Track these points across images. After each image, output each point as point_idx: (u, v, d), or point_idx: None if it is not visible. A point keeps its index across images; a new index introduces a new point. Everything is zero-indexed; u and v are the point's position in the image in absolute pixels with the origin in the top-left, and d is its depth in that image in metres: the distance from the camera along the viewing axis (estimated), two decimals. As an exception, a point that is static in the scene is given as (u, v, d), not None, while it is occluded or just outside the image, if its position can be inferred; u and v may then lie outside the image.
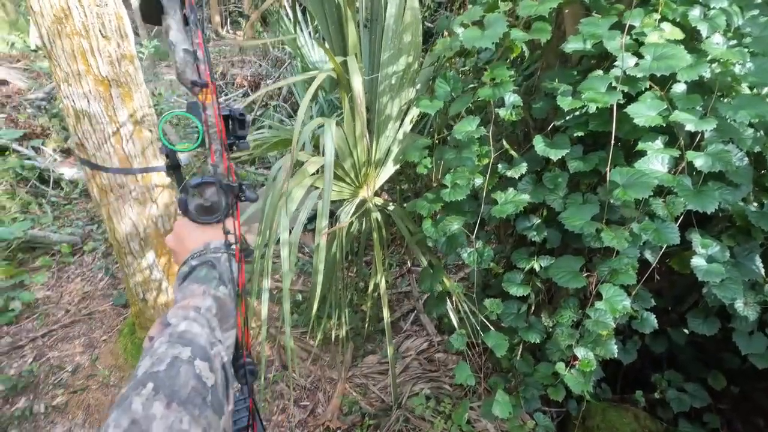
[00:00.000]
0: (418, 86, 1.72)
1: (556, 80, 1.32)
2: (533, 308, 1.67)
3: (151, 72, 7.25)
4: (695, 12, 1.15)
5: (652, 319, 1.33)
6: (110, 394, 2.20)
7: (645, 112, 1.13)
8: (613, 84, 1.10)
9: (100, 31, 1.57)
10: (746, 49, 1.11)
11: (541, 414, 1.68)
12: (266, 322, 1.62)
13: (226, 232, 0.66)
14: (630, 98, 1.18)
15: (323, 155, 1.35)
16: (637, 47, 1.18)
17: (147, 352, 0.49)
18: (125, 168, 1.79)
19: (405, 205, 2.10)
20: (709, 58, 1.10)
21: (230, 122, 0.71)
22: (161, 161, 1.91)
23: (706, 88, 1.17)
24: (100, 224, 3.58)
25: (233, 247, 0.67)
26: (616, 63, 1.15)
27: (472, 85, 1.41)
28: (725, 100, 1.17)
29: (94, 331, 2.61)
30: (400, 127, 1.75)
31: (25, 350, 2.47)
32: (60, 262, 3.25)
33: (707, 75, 1.14)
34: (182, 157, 1.73)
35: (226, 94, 5.86)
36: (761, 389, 1.66)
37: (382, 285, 1.83)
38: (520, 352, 1.64)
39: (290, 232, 1.55)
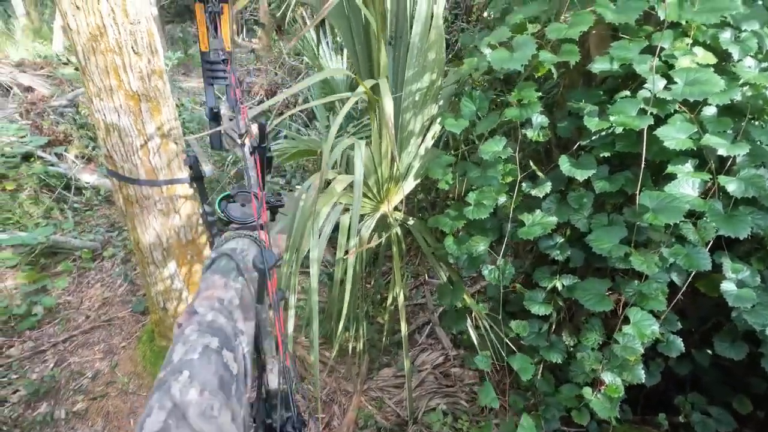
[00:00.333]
0: (441, 102, 1.73)
1: (582, 100, 1.32)
2: (554, 326, 1.65)
3: (170, 78, 7.38)
4: (726, 35, 1.15)
5: (679, 343, 1.31)
6: (129, 401, 2.22)
7: (675, 134, 1.12)
8: (643, 107, 1.10)
9: (132, 47, 1.61)
10: (779, 73, 1.10)
11: (561, 434, 1.66)
12: (290, 337, 1.64)
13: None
14: (658, 119, 1.18)
15: (346, 171, 1.36)
16: (666, 69, 1.17)
17: (179, 338, 0.53)
18: (151, 180, 1.83)
19: (424, 217, 2.11)
20: (741, 81, 1.09)
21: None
22: (185, 173, 1.94)
23: (737, 111, 1.16)
24: (120, 231, 3.64)
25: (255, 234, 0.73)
26: (645, 85, 1.14)
27: (494, 97, 1.42)
28: (757, 123, 1.16)
29: (114, 338, 2.65)
30: (422, 142, 1.76)
31: (46, 355, 2.52)
32: (80, 267, 3.31)
33: (738, 98, 1.13)
34: (206, 170, 1.76)
35: (242, 102, 5.95)
36: (790, 415, 1.62)
37: (401, 299, 1.83)
38: (540, 371, 1.63)
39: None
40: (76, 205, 3.95)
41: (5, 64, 7.22)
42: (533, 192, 1.38)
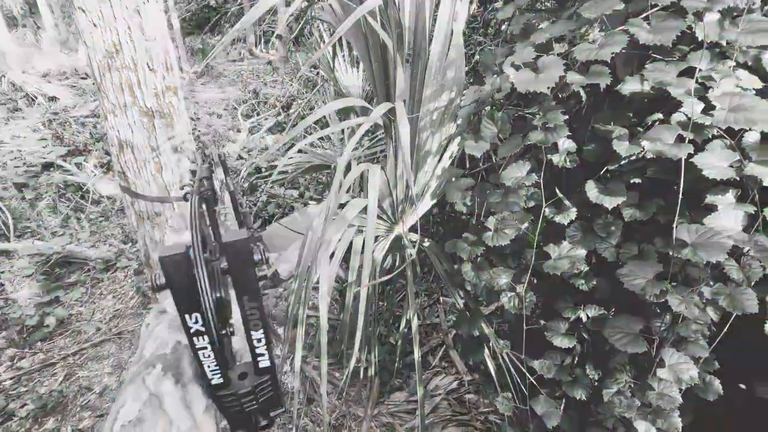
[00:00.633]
0: (459, 121, 1.68)
1: (611, 123, 1.25)
2: (577, 358, 1.56)
3: (188, 90, 7.51)
4: (769, 56, 1.07)
5: (717, 385, 1.21)
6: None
7: (715, 162, 1.04)
8: (681, 133, 1.02)
9: (147, 64, 1.60)
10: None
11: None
12: (300, 351, 1.57)
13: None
14: (695, 144, 1.10)
15: (360, 190, 1.31)
16: (703, 91, 1.10)
17: (149, 336, 0.59)
18: (163, 197, 1.81)
19: (440, 238, 2.04)
20: (788, 106, 1.01)
21: None
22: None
23: (782, 137, 1.07)
24: (134, 242, 3.65)
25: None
26: (682, 109, 1.07)
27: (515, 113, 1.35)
28: (805, 151, 1.07)
29: (123, 352, 2.62)
30: (439, 162, 1.70)
31: (56, 368, 2.50)
32: (94, 278, 3.32)
33: (785, 124, 1.04)
34: (229, 183, 1.73)
35: (258, 113, 5.99)
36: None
37: (414, 323, 1.76)
38: (563, 407, 1.53)
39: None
40: (92, 215, 3.99)
41: (32, 75, 7.45)
42: (557, 219, 1.30)
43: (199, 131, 4.36)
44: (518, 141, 1.18)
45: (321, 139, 4.85)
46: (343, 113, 4.15)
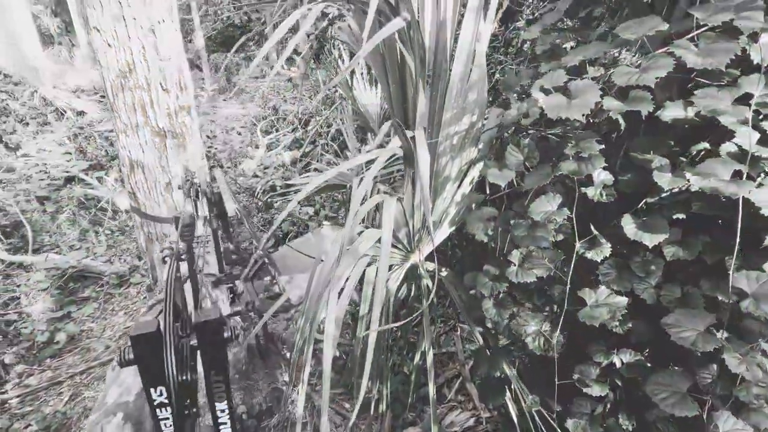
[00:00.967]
0: (481, 145, 1.58)
1: (650, 151, 1.14)
2: (609, 406, 1.41)
3: (210, 105, 7.66)
4: (838, 81, 0.95)
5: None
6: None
7: (775, 200, 0.91)
8: (738, 168, 0.90)
9: (161, 84, 1.57)
10: None
11: None
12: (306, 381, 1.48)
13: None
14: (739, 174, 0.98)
15: (374, 219, 1.22)
16: (756, 119, 0.98)
17: (115, 380, 0.50)
18: (172, 218, 1.76)
19: (454, 267, 1.93)
20: None
21: None
22: (207, 210, 1.87)
23: None
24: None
25: None
26: (735, 139, 0.95)
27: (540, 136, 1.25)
28: None
29: (130, 372, 2.57)
30: (459, 187, 1.60)
31: (63, 387, 2.46)
32: (107, 293, 3.30)
33: None
34: (229, 207, 1.68)
35: (276, 130, 6.03)
36: None
37: (429, 357, 1.64)
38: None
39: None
40: (109, 230, 4.02)
41: (63, 90, 7.71)
42: (589, 255, 1.18)
43: (215, 149, 4.38)
44: (547, 171, 1.08)
45: (337, 155, 4.83)
46: (360, 131, 4.11)
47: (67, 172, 4.35)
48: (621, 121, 1.01)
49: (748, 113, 0.92)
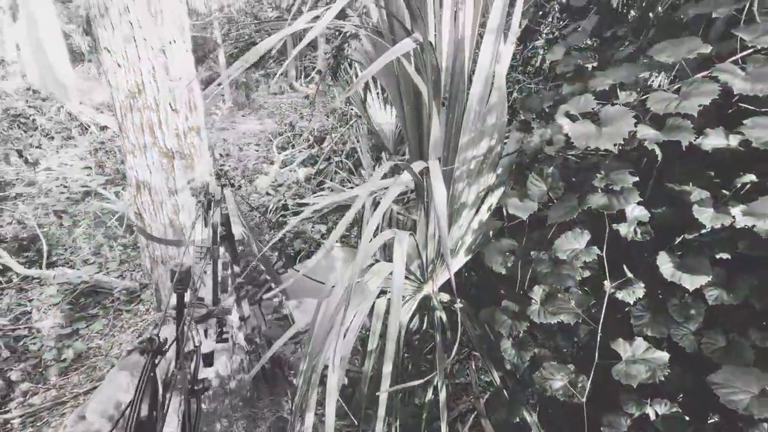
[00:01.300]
0: (499, 171, 1.49)
1: (689, 183, 1.03)
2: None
3: (229, 121, 7.77)
4: None
5: None
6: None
7: (840, 244, 0.80)
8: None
9: (170, 104, 1.54)
10: None
11: None
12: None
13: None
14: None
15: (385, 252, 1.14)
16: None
17: None
18: (177, 240, 1.71)
19: (470, 298, 1.83)
20: None
21: None
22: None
23: None
24: (159, 273, 3.62)
25: None
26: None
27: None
28: None
29: (134, 394, 2.51)
30: (475, 215, 1.51)
31: (66, 407, 2.42)
32: (117, 309, 3.29)
33: None
34: (236, 231, 1.62)
35: (292, 146, 6.05)
36: None
37: (442, 396, 1.53)
38: None
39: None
40: (123, 244, 4.03)
41: (88, 106, 7.95)
42: (619, 296, 1.07)
43: (228, 166, 4.39)
44: (573, 204, 0.99)
45: (351, 173, 4.79)
46: (375, 150, 4.07)
47: (85, 186, 4.40)
48: (658, 151, 0.91)
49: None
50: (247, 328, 2.17)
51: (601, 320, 0.95)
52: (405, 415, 2.29)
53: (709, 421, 1.11)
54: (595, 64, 1.35)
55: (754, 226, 0.85)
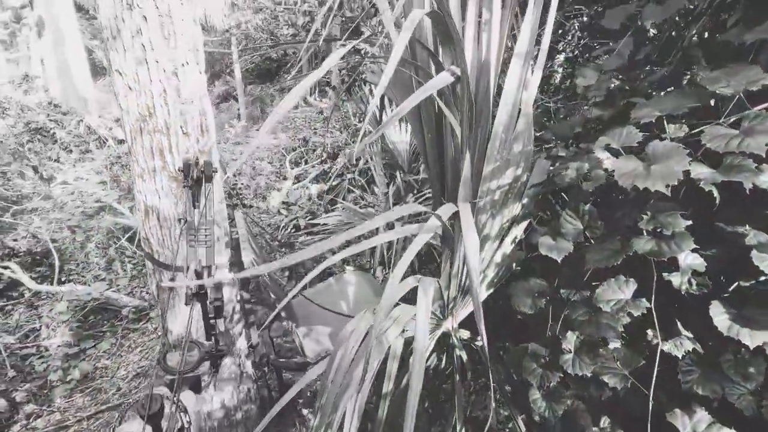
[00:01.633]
0: (525, 200, 1.40)
1: (745, 224, 0.93)
2: None
3: (243, 136, 7.82)
4: None
5: None
6: None
7: None
8: None
9: (181, 127, 1.49)
10: None
11: None
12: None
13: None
14: None
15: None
16: None
17: None
18: (186, 266, 1.65)
19: (499, 342, 1.72)
20: None
21: None
22: (225, 257, 1.76)
23: None
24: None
25: None
26: None
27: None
28: None
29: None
30: (499, 247, 1.42)
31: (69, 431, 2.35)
32: (125, 328, 3.24)
33: None
34: (246, 260, 1.55)
35: (306, 161, 6.03)
36: None
37: (462, 441, 1.42)
38: None
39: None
40: (134, 260, 4.01)
41: (107, 119, 8.09)
42: (665, 348, 0.96)
43: (241, 184, 4.37)
44: (615, 248, 0.89)
45: (364, 190, 4.72)
46: (388, 167, 4.01)
47: (98, 201, 4.41)
48: (716, 193, 0.81)
49: None
50: (256, 356, 2.08)
51: (653, 387, 0.84)
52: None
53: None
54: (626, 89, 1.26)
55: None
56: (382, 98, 3.08)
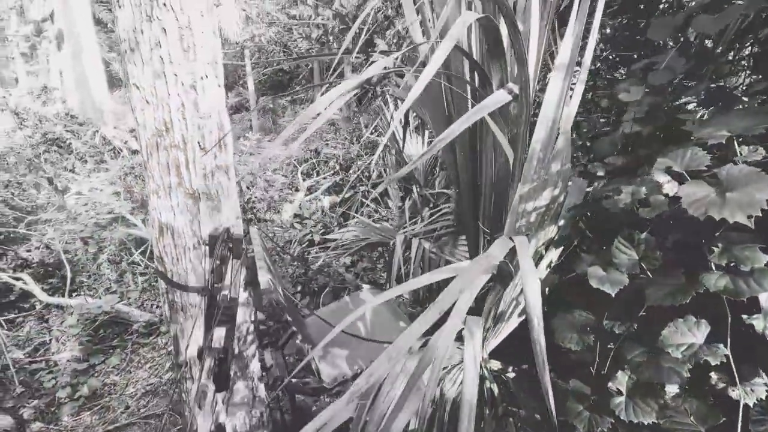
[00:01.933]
0: (561, 222, 1.31)
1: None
2: None
3: (255, 146, 7.83)
4: None
5: None
6: None
7: None
8: None
9: (198, 143, 1.44)
10: None
11: None
12: None
13: None
14: None
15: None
16: None
17: None
18: (200, 287, 1.58)
19: (524, 367, 1.62)
20: None
21: None
22: (241, 275, 1.69)
23: None
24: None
25: None
26: None
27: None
28: None
29: (146, 442, 2.35)
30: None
31: (75, 453, 2.28)
32: (135, 342, 3.18)
33: None
34: (262, 280, 1.48)
35: (317, 173, 5.99)
36: None
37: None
38: None
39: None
40: (146, 272, 3.97)
41: (122, 130, 8.17)
42: (733, 394, 0.86)
43: (255, 198, 4.32)
44: (680, 283, 0.79)
45: (377, 203, 4.65)
46: (404, 180, 3.93)
47: (111, 212, 4.40)
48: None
49: None
50: (269, 379, 2.00)
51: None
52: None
53: None
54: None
55: None
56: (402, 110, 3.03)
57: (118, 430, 2.43)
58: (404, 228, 3.02)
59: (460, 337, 1.43)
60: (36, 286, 3.43)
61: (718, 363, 0.75)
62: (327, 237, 3.64)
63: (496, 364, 1.39)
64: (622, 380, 0.95)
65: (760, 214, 0.68)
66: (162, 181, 1.44)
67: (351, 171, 5.54)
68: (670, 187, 0.81)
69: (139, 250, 3.93)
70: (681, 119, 1.13)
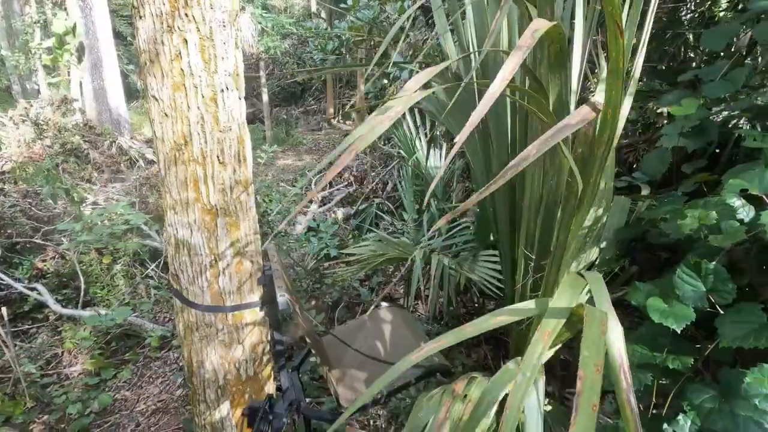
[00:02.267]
0: (604, 245, 1.22)
1: None
2: None
3: (272, 158, 7.84)
4: None
5: None
6: None
7: None
8: None
9: (218, 157, 1.38)
10: None
11: None
12: None
13: None
14: None
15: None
16: None
17: None
18: (217, 306, 1.51)
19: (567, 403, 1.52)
20: None
21: None
22: (257, 295, 1.62)
23: None
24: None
25: None
26: None
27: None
28: None
29: (156, 463, 2.28)
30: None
31: (84, 474, 2.21)
32: (147, 356, 3.12)
33: None
34: (280, 300, 1.40)
35: (331, 184, 5.96)
36: None
37: None
38: None
39: None
40: (160, 283, 3.94)
41: (139, 141, 8.27)
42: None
43: (269, 210, 4.29)
44: (761, 321, 0.70)
45: (392, 215, 4.57)
46: (420, 194, 3.86)
47: (126, 223, 4.39)
48: None
49: None
50: (285, 402, 1.91)
51: None
52: None
53: None
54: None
55: None
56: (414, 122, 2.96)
57: (128, 449, 2.36)
58: (421, 243, 2.93)
59: (484, 367, 1.33)
60: (50, 297, 3.42)
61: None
62: (343, 251, 3.57)
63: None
64: (683, 425, 0.85)
65: None
66: (179, 196, 1.39)
67: (365, 182, 5.50)
68: (746, 212, 0.72)
69: (154, 264, 3.90)
70: (739, 135, 1.04)
